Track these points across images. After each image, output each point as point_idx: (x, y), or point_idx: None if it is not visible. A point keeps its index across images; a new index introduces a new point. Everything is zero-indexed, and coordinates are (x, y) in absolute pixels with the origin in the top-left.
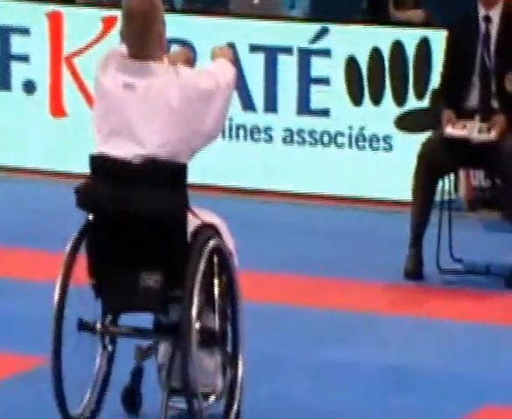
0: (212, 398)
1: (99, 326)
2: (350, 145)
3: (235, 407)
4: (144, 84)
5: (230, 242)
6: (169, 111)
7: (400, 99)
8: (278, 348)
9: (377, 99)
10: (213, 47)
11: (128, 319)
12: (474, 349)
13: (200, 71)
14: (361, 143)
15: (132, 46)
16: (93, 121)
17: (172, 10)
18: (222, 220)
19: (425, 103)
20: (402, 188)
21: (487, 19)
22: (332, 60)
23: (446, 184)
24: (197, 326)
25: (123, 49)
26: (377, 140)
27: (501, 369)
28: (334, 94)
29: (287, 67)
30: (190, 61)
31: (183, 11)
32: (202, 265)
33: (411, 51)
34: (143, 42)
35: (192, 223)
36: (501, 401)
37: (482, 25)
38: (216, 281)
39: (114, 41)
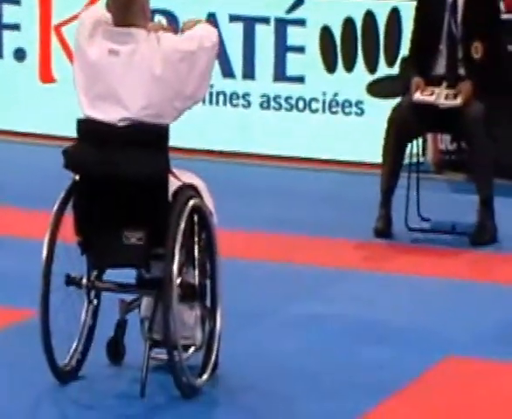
0: (192, 349)
1: (85, 281)
2: (324, 110)
3: (213, 358)
4: (128, 50)
5: (209, 201)
6: (151, 75)
7: (372, 66)
8: (253, 302)
9: (349, 67)
10: (183, 21)
11: (113, 275)
12: (440, 303)
13: (183, 35)
14: (334, 108)
15: (117, 15)
16: (77, 86)
17: None
18: (202, 181)
19: (395, 70)
20: (373, 151)
21: None
22: (307, 30)
23: (414, 147)
24: (177, 281)
25: (107, 14)
26: (350, 105)
27: (464, 322)
28: (308, 62)
29: (265, 36)
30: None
31: None
32: (182, 224)
33: (382, 21)
34: (128, 11)
35: (173, 183)
36: (463, 351)
37: None
38: (196, 239)
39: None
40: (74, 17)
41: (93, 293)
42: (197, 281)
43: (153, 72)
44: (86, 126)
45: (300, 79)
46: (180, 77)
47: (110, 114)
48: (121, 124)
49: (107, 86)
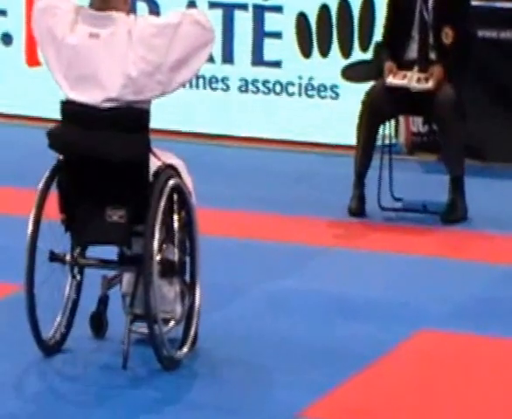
0: (172, 323)
1: (68, 257)
2: (300, 94)
3: (192, 331)
4: (108, 32)
5: (188, 181)
6: (127, 55)
7: (346, 51)
8: (231, 278)
9: (324, 52)
10: None
11: (95, 252)
12: (412, 279)
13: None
14: (310, 92)
15: (98, 1)
16: (53, 69)
17: None
18: (181, 161)
19: (368, 55)
20: (347, 133)
21: None
22: (284, 16)
23: (387, 129)
24: (157, 258)
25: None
26: (325, 89)
27: (436, 297)
28: (285, 47)
29: (243, 22)
30: None
31: None
32: (162, 203)
33: (356, 8)
34: (108, 3)
35: (154, 163)
36: (434, 325)
37: None
38: (176, 217)
39: (85, 1)
40: None
41: (76, 269)
42: (176, 258)
43: (129, 47)
44: (69, 107)
45: (278, 64)
46: (157, 51)
47: (92, 96)
48: (104, 105)
49: (88, 68)
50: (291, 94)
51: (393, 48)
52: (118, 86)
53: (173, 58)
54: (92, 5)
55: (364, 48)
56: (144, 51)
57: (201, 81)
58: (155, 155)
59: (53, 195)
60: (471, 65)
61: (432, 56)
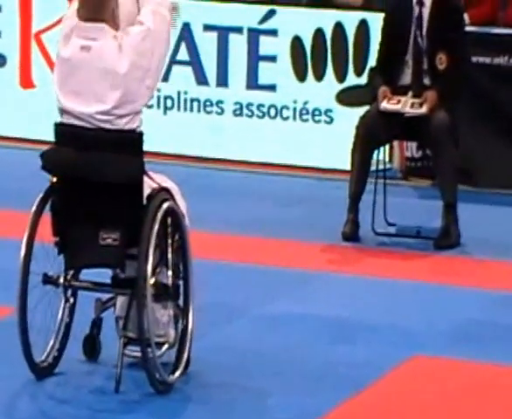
0: (165, 347)
1: (61, 280)
2: (295, 117)
3: (185, 355)
4: (99, 45)
5: (182, 204)
6: (119, 65)
7: (341, 75)
8: (224, 302)
9: (319, 76)
10: None
11: (89, 274)
12: (405, 304)
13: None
14: (304, 116)
15: (89, 11)
16: (54, 81)
17: None
18: (174, 183)
19: (363, 80)
20: (341, 157)
21: (421, 3)
22: (279, 39)
23: (381, 154)
24: (151, 281)
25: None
26: (320, 113)
27: (429, 322)
28: (280, 71)
29: (238, 45)
30: None
31: None
32: (156, 226)
33: (351, 32)
34: (99, 8)
35: (148, 186)
36: (427, 350)
37: (416, 8)
38: (169, 240)
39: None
40: (54, 25)
41: (69, 292)
42: (170, 281)
43: (120, 60)
44: (62, 129)
45: (272, 88)
46: (146, 56)
47: (86, 108)
48: (98, 117)
49: (82, 81)
50: (285, 118)
51: (387, 73)
52: (111, 99)
53: (157, 61)
54: (79, 15)
55: (359, 73)
56: (136, 57)
57: (195, 104)
58: (149, 178)
59: (47, 217)
60: (464, 90)
61: (426, 81)
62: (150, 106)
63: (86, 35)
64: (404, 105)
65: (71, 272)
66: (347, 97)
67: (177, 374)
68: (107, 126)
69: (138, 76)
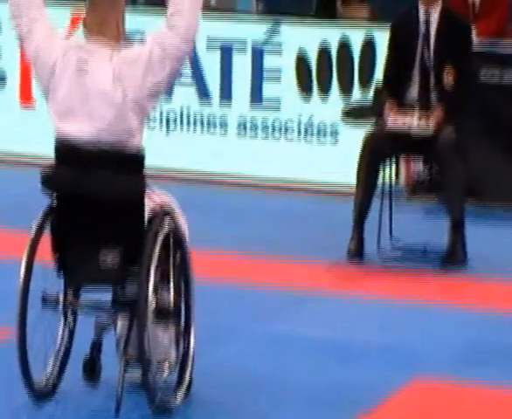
0: (166, 368)
1: (61, 300)
2: (299, 133)
3: (187, 376)
4: (95, 65)
5: (183, 223)
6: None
7: (346, 92)
8: (227, 322)
9: (324, 92)
10: None
11: (89, 295)
12: (410, 325)
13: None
14: (309, 133)
15: (91, 30)
16: (48, 100)
17: (134, 4)
18: (176, 202)
19: (369, 95)
20: (347, 174)
21: (427, 18)
22: (283, 56)
23: (387, 171)
24: (152, 301)
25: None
26: (325, 130)
27: (434, 343)
28: (284, 86)
29: (242, 61)
30: None
31: (145, 7)
32: (158, 246)
33: (356, 47)
34: (101, 29)
35: (149, 204)
36: (431, 372)
37: (422, 24)
38: (171, 260)
39: (80, 38)
40: None
41: (69, 312)
42: (171, 301)
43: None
44: (63, 147)
45: (276, 104)
46: (158, 64)
47: (81, 129)
48: (95, 137)
49: (80, 100)
50: (290, 135)
51: (394, 89)
52: (108, 117)
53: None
54: (85, 27)
55: (365, 88)
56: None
57: (199, 121)
58: (150, 196)
59: (47, 235)
60: (472, 106)
61: (433, 97)
62: (153, 124)
63: (85, 54)
64: (411, 121)
65: (71, 292)
66: (353, 113)
67: (179, 395)
68: (108, 144)
69: (137, 74)
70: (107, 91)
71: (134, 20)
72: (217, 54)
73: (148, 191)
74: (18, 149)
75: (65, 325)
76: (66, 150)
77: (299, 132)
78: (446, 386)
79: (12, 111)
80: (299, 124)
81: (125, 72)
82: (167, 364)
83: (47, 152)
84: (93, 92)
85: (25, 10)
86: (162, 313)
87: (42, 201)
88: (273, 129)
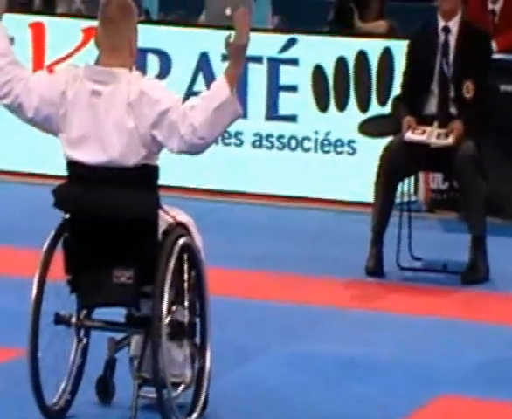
0: (181, 388)
1: (74, 319)
2: (316, 149)
3: (203, 396)
4: (109, 90)
5: (198, 239)
6: (135, 113)
7: (364, 105)
8: (245, 341)
9: (341, 106)
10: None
11: (102, 313)
12: (431, 342)
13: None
14: (326, 147)
15: (104, 50)
16: (57, 127)
17: (148, 21)
18: (190, 218)
19: (387, 109)
20: (364, 189)
21: (446, 30)
22: (300, 69)
23: (406, 186)
24: (166, 319)
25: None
26: (342, 144)
27: (455, 361)
28: (301, 101)
29: (257, 75)
30: None
31: (159, 22)
32: (172, 263)
33: (374, 61)
34: (114, 48)
35: (163, 221)
36: (454, 389)
37: (441, 36)
38: (186, 277)
39: (92, 50)
40: (66, 58)
41: (82, 331)
42: (186, 319)
43: (133, 109)
44: (75, 165)
45: (293, 118)
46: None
47: (94, 157)
48: (108, 165)
49: (91, 128)
50: (307, 150)
51: (412, 102)
52: (120, 147)
53: (184, 129)
54: (98, 62)
55: (382, 102)
56: (154, 126)
57: None
58: (164, 213)
59: (59, 254)
60: (491, 119)
61: (453, 110)
62: None
63: (97, 79)
64: (430, 135)
65: (83, 311)
66: (370, 127)
67: (194, 415)
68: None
69: (157, 135)
70: (119, 117)
71: (149, 37)
72: None
73: (162, 208)
74: (28, 167)
75: (77, 344)
76: (78, 167)
77: (315, 148)
78: (469, 403)
79: (21, 128)
80: (315, 139)
81: (138, 105)
82: (182, 383)
83: (59, 169)
84: (106, 118)
85: (10, 84)
86: (177, 331)
87: (53, 220)
88: (290, 144)
